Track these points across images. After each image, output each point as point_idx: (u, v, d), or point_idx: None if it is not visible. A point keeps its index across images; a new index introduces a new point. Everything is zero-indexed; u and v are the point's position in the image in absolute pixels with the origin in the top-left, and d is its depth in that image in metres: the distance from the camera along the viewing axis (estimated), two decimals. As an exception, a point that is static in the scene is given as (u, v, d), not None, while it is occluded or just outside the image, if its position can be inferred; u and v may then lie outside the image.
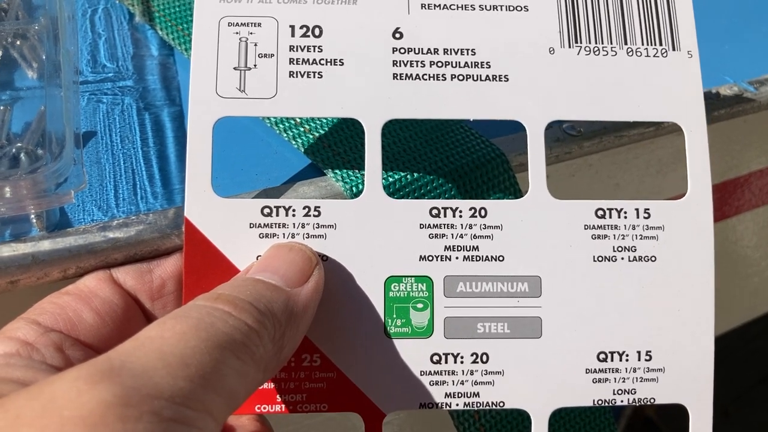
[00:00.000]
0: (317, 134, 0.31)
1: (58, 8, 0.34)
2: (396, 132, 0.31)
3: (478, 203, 0.26)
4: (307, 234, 0.25)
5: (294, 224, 0.25)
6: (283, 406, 0.25)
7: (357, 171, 0.29)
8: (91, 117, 0.34)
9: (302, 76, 0.26)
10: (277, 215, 0.25)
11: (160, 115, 0.35)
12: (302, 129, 0.31)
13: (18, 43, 0.35)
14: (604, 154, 0.36)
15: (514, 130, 0.35)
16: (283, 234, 0.25)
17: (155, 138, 0.34)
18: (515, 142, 0.33)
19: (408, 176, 0.29)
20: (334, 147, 0.30)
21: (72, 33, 0.34)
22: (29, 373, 0.20)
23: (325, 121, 0.31)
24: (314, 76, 0.26)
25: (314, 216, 0.25)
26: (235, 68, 0.26)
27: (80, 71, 0.35)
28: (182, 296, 0.25)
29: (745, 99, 0.39)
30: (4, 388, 0.19)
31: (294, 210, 0.25)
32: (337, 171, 0.29)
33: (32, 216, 0.29)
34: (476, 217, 0.26)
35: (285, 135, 0.32)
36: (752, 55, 0.42)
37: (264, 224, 0.25)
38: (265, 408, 0.25)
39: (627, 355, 0.26)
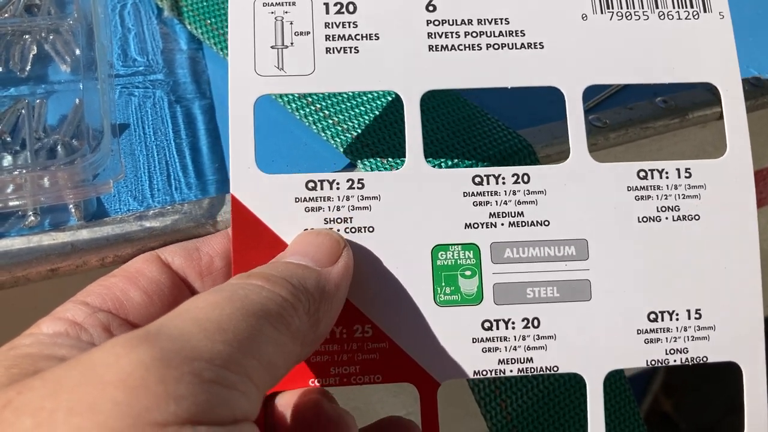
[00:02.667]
0: (346, 126, 0.31)
1: (91, 3, 0.35)
2: (423, 124, 0.31)
3: (520, 169, 0.26)
4: (352, 206, 0.25)
5: (339, 197, 0.25)
6: (337, 378, 0.25)
7: (386, 160, 0.29)
8: (123, 110, 0.35)
9: (339, 52, 0.26)
10: (322, 189, 0.25)
11: (191, 107, 0.36)
12: (331, 121, 0.31)
13: (51, 37, 0.36)
14: (629, 146, 0.37)
15: (541, 121, 0.35)
16: (329, 207, 0.25)
17: (187, 130, 0.34)
18: (541, 134, 0.34)
19: (435, 168, 0.29)
20: (363, 139, 0.30)
21: (105, 27, 0.35)
22: (74, 352, 0.20)
23: (353, 113, 0.31)
24: (350, 52, 0.26)
25: (358, 188, 0.25)
26: (272, 47, 0.26)
27: (112, 65, 0.36)
28: (231, 272, 0.25)
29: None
30: (48, 364, 0.19)
31: (338, 183, 0.25)
32: (366, 161, 0.29)
33: (71, 206, 0.30)
34: (519, 183, 0.26)
35: (314, 127, 0.32)
36: None
37: (309, 198, 0.25)
38: (319, 381, 0.25)
39: (677, 314, 0.26)
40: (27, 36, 0.36)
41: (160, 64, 0.37)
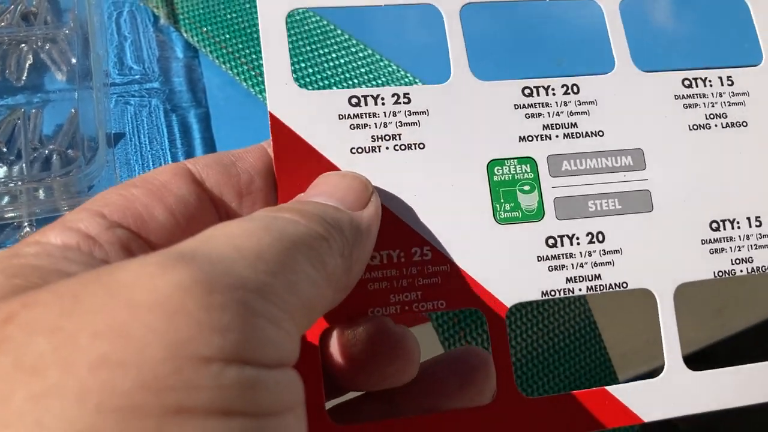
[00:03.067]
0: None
1: (87, 12, 0.35)
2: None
3: (569, 80, 0.25)
4: (400, 122, 0.23)
5: (385, 113, 0.23)
6: (398, 307, 0.22)
7: None
8: (119, 119, 0.35)
9: None
10: (366, 104, 0.23)
11: (186, 116, 0.36)
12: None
13: (48, 46, 0.36)
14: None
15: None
16: (375, 123, 0.23)
17: (183, 139, 0.35)
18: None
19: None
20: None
21: (101, 36, 0.35)
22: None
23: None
24: None
25: (404, 103, 0.24)
26: (300, -39, 0.24)
27: (108, 73, 0.36)
28: (276, 196, 0.22)
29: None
30: (60, 279, 0.16)
31: (383, 98, 0.23)
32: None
33: None
34: (570, 93, 0.25)
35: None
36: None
37: (354, 114, 0.23)
38: (379, 311, 0.22)
39: (738, 223, 0.25)
40: (23, 45, 0.36)
41: (156, 73, 0.37)
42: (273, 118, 0.23)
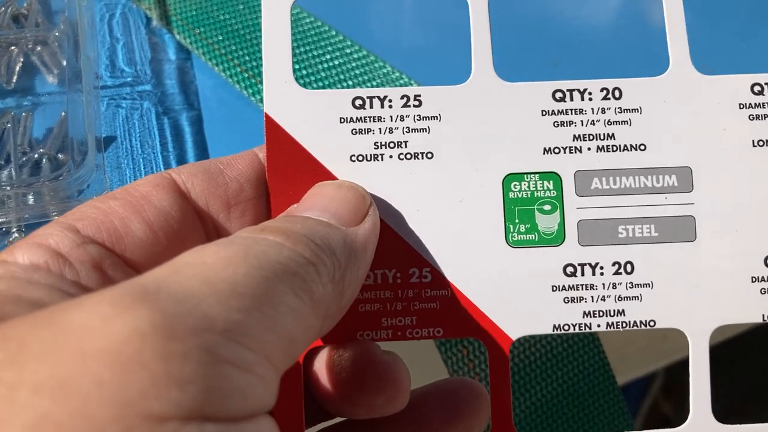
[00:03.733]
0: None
1: (78, 14, 0.34)
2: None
3: (610, 83, 0.21)
4: (407, 128, 0.21)
5: (391, 117, 0.21)
6: (390, 331, 0.21)
7: None
8: (110, 122, 0.34)
9: None
10: (371, 107, 0.21)
11: (178, 119, 0.35)
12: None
13: (38, 49, 0.35)
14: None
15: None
16: (380, 129, 0.21)
17: (175, 143, 0.34)
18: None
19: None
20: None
21: (91, 38, 0.35)
22: (54, 296, 0.16)
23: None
24: None
25: (414, 106, 0.21)
26: (311, -60, 0.22)
27: (100, 76, 0.36)
28: (268, 206, 0.21)
29: None
30: (16, 309, 0.15)
31: (390, 100, 0.21)
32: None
33: None
34: (609, 99, 0.21)
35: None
36: None
37: (357, 118, 0.21)
38: (369, 334, 0.21)
39: (801, 259, 0.21)
40: (14, 47, 0.35)
41: (148, 75, 0.36)
42: (269, 120, 0.21)
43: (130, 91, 0.36)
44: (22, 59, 0.35)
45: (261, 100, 0.35)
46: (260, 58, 0.36)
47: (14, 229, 0.29)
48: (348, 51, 0.38)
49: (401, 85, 0.36)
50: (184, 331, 0.13)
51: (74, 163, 0.31)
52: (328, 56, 0.37)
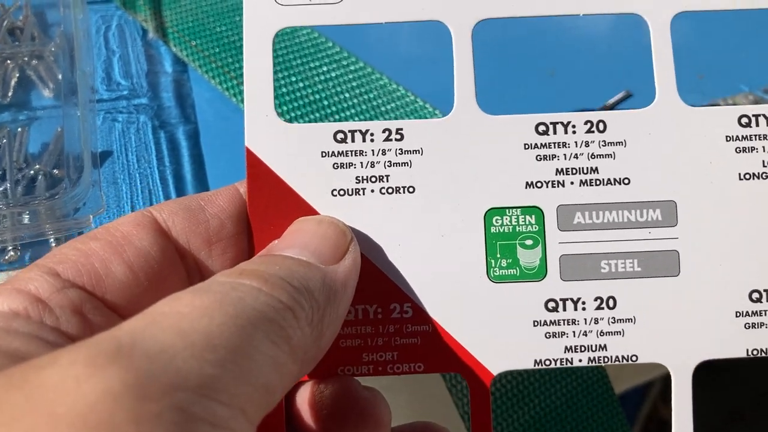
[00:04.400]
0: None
1: (73, 27, 0.34)
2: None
3: (594, 115, 0.21)
4: (389, 162, 0.21)
5: (373, 151, 0.21)
6: (371, 367, 0.21)
7: None
8: (107, 136, 0.34)
9: None
10: (353, 141, 0.21)
11: (175, 133, 0.35)
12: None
13: (34, 63, 0.35)
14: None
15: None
16: (361, 163, 0.21)
17: (171, 157, 0.34)
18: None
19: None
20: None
21: (87, 52, 0.34)
22: (32, 346, 0.16)
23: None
24: None
25: (396, 140, 0.21)
26: (294, -30, 0.22)
27: (96, 89, 0.36)
28: (250, 242, 0.21)
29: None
30: None
31: (372, 134, 0.21)
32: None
33: (51, 240, 0.30)
34: (593, 132, 0.21)
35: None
36: (767, 63, 0.38)
37: (339, 152, 0.21)
38: (349, 370, 0.21)
39: (786, 294, 0.21)
40: (9, 62, 0.35)
41: (144, 88, 0.36)
42: (249, 154, 0.21)
43: (126, 105, 0.36)
44: (17, 74, 0.35)
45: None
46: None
47: (10, 248, 0.29)
48: (345, 62, 0.38)
49: (398, 97, 0.36)
50: (157, 390, 0.13)
51: (70, 181, 0.31)
52: (325, 68, 0.37)
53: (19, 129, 0.33)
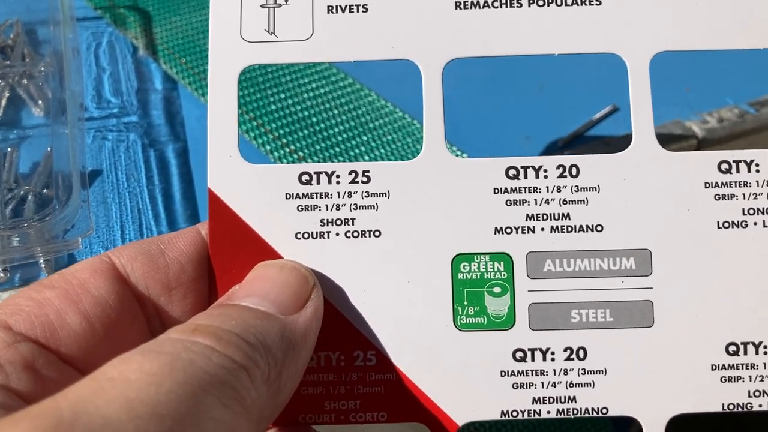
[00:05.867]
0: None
1: (63, 45, 0.34)
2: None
3: (567, 159, 0.21)
4: (355, 205, 0.21)
5: (339, 193, 0.21)
6: (333, 415, 0.20)
7: None
8: (96, 155, 0.34)
9: (343, 11, 0.21)
10: (318, 183, 0.21)
11: (164, 151, 0.35)
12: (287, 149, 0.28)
13: (25, 81, 0.35)
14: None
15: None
16: (326, 205, 0.21)
17: (160, 176, 0.34)
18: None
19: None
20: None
21: (77, 70, 0.35)
22: None
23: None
24: (358, 10, 0.21)
25: (363, 182, 0.21)
26: (262, 6, 0.21)
27: (86, 107, 0.36)
28: (211, 287, 0.20)
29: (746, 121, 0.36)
30: None
31: (338, 176, 0.21)
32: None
33: (41, 261, 0.30)
34: (566, 177, 0.21)
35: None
36: (752, 76, 0.38)
37: (303, 194, 0.21)
38: (311, 418, 0.20)
39: (765, 347, 0.20)
40: (0, 81, 0.35)
41: (134, 106, 0.36)
42: (212, 196, 0.20)
43: (116, 123, 0.36)
44: (8, 93, 0.35)
45: (247, 131, 0.35)
46: (245, 88, 0.35)
47: (0, 269, 0.29)
48: (334, 79, 0.37)
49: (386, 113, 0.36)
50: None
51: (59, 202, 0.31)
52: (314, 84, 0.37)
53: (9, 149, 0.34)
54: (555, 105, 0.36)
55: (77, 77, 0.34)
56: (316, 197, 0.21)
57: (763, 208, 0.20)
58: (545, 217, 0.20)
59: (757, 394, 0.20)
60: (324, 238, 0.20)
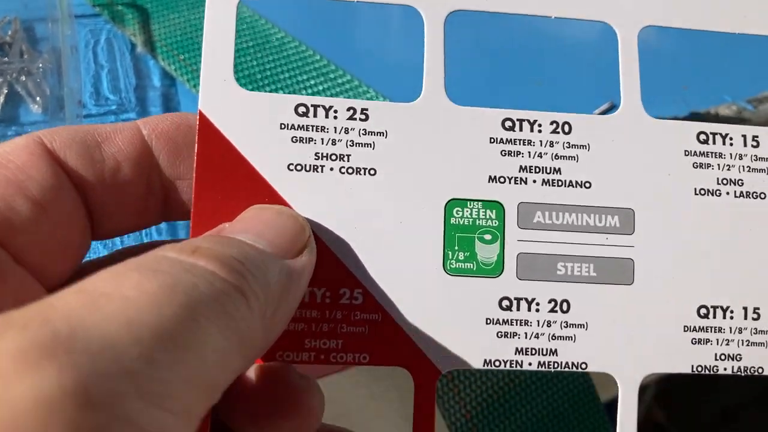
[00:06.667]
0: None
1: (61, 42, 0.34)
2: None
3: (561, 116, 0.21)
4: (351, 141, 0.20)
5: (335, 128, 0.20)
6: (313, 354, 0.20)
7: None
8: None
9: None
10: (315, 115, 0.20)
11: None
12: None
13: (23, 78, 0.35)
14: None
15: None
16: (322, 139, 0.20)
17: None
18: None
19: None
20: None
21: (75, 67, 0.35)
22: None
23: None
24: None
25: (361, 120, 0.20)
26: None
27: (84, 104, 0.36)
28: (192, 211, 0.19)
29: (745, 118, 0.37)
30: None
31: (336, 111, 0.20)
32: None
33: None
34: (559, 133, 0.21)
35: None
36: (750, 73, 0.40)
37: (299, 126, 0.20)
38: (289, 356, 0.19)
39: (732, 312, 0.21)
40: None
41: (132, 102, 0.37)
42: (202, 119, 0.20)
43: (114, 119, 0.36)
44: (6, 89, 0.35)
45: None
46: (244, 86, 0.34)
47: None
48: (332, 76, 0.37)
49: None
50: (102, 396, 0.11)
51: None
52: (312, 81, 0.37)
53: (6, 148, 0.32)
54: (553, 101, 0.36)
55: (75, 74, 0.34)
56: (312, 130, 0.20)
57: (735, 179, 0.22)
58: (537, 169, 0.21)
59: (722, 357, 0.21)
60: (317, 171, 0.20)
